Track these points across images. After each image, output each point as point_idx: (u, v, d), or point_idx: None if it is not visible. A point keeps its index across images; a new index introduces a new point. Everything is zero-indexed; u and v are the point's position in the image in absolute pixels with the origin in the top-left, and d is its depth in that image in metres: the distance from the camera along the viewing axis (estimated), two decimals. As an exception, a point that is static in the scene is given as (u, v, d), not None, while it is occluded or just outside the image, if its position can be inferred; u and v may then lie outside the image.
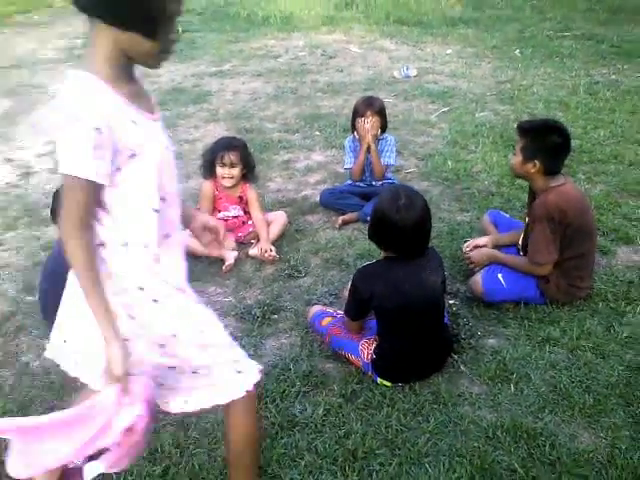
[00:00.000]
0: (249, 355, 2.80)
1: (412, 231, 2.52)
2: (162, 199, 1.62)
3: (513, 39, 9.35)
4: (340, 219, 4.03)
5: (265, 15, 11.30)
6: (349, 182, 4.33)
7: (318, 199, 4.38)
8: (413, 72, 7.54)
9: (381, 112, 4.10)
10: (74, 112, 1.43)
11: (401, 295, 2.52)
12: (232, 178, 3.77)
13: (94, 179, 1.45)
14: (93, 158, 1.43)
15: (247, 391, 1.79)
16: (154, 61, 1.55)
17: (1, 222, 4.30)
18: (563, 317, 2.99)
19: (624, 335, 2.85)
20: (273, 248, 3.66)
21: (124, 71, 1.53)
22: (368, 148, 4.05)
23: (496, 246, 3.35)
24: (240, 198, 3.89)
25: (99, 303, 1.52)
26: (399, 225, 2.49)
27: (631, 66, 7.58)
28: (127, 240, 1.60)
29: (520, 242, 3.23)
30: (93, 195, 1.50)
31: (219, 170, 3.75)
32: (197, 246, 3.64)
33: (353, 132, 4.19)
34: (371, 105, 4.07)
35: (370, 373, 2.66)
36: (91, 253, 1.52)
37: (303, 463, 2.23)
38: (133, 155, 1.52)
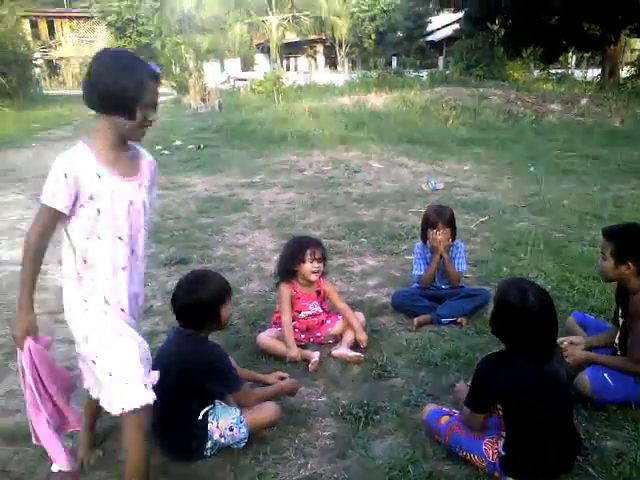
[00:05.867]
0: (360, 456, 2.74)
1: (544, 325, 2.50)
2: (119, 238, 2.26)
3: (524, 157, 9.85)
4: (416, 321, 4.01)
5: (282, 134, 11.85)
6: (416, 285, 4.35)
7: (384, 301, 4.40)
8: (440, 185, 7.84)
9: (451, 222, 4.20)
10: (56, 164, 2.17)
11: (530, 386, 2.45)
12: (319, 272, 3.77)
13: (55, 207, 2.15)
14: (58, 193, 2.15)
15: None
16: (135, 135, 2.25)
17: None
18: (675, 418, 2.94)
19: None
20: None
21: (112, 144, 2.22)
22: (441, 257, 4.13)
23: (589, 348, 3.34)
24: (318, 293, 3.88)
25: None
26: (531, 320, 2.46)
27: (644, 183, 7.97)
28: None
29: (617, 341, 3.22)
30: (53, 219, 2.17)
31: (308, 266, 3.72)
32: (279, 347, 3.63)
33: (424, 241, 4.25)
34: (442, 216, 4.16)
35: (497, 474, 2.54)
36: (38, 258, 2.19)
37: None
38: (92, 197, 2.19)
